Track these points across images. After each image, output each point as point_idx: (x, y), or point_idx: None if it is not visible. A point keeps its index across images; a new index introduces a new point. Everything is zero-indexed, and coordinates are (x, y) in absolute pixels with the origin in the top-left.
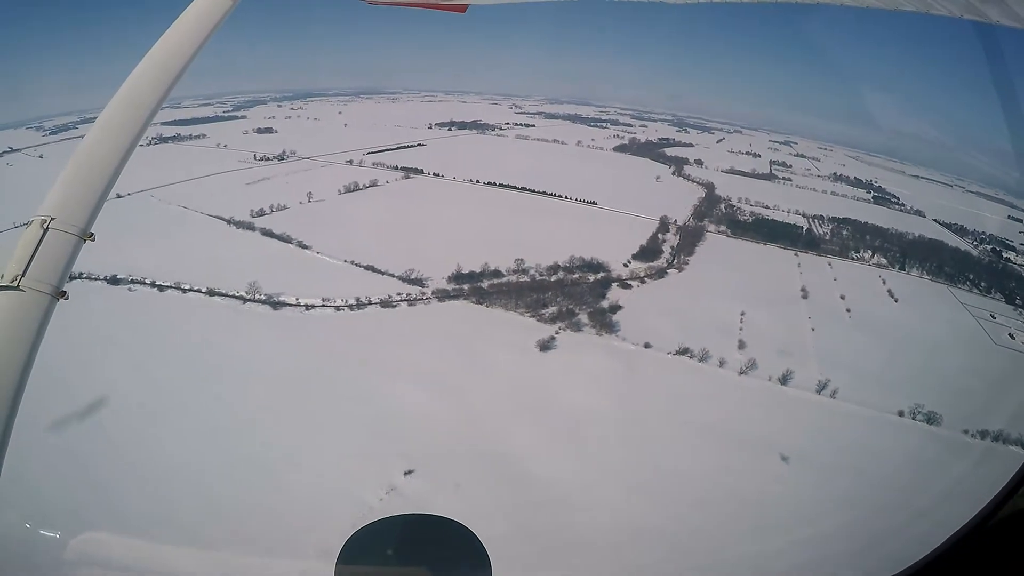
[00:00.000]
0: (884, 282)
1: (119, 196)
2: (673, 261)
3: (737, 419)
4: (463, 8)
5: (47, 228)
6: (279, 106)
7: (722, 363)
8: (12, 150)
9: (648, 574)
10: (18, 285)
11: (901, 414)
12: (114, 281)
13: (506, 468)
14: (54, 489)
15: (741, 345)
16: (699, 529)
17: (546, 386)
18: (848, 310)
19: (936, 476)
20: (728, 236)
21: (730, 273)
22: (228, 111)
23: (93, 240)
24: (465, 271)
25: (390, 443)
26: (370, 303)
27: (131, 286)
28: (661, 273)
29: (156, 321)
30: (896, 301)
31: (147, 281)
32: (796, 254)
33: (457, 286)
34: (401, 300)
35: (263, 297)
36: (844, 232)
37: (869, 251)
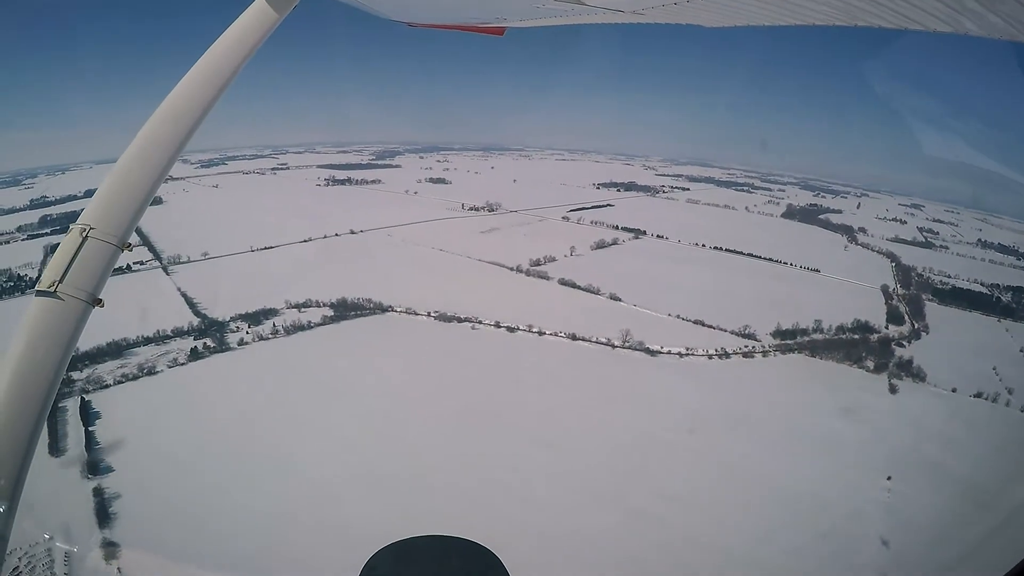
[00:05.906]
0: None
1: (352, 232)
2: (916, 325)
3: None
4: (501, 31)
5: (86, 236)
6: (421, 157)
7: (1008, 404)
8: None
9: None
10: (55, 291)
11: None
12: (445, 319)
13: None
14: None
15: (1010, 391)
16: None
17: (921, 421)
18: None
19: None
20: (938, 304)
21: (963, 336)
22: (372, 159)
23: (131, 250)
24: (783, 328)
25: (848, 462)
26: (730, 354)
27: (475, 325)
28: (917, 334)
29: (540, 361)
30: None
31: (484, 321)
32: (999, 320)
33: (782, 341)
34: (757, 352)
35: (633, 344)
36: None
37: None
